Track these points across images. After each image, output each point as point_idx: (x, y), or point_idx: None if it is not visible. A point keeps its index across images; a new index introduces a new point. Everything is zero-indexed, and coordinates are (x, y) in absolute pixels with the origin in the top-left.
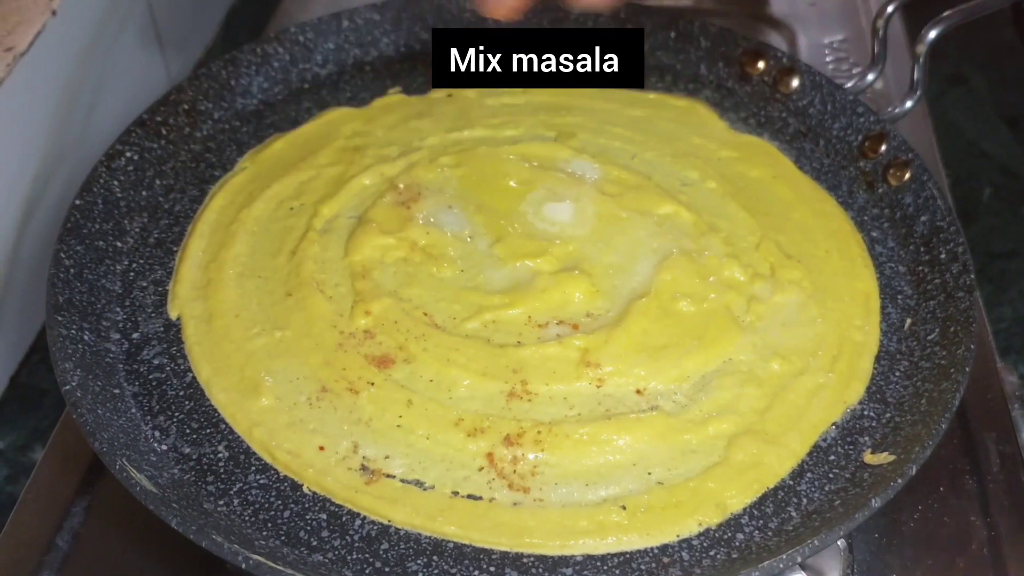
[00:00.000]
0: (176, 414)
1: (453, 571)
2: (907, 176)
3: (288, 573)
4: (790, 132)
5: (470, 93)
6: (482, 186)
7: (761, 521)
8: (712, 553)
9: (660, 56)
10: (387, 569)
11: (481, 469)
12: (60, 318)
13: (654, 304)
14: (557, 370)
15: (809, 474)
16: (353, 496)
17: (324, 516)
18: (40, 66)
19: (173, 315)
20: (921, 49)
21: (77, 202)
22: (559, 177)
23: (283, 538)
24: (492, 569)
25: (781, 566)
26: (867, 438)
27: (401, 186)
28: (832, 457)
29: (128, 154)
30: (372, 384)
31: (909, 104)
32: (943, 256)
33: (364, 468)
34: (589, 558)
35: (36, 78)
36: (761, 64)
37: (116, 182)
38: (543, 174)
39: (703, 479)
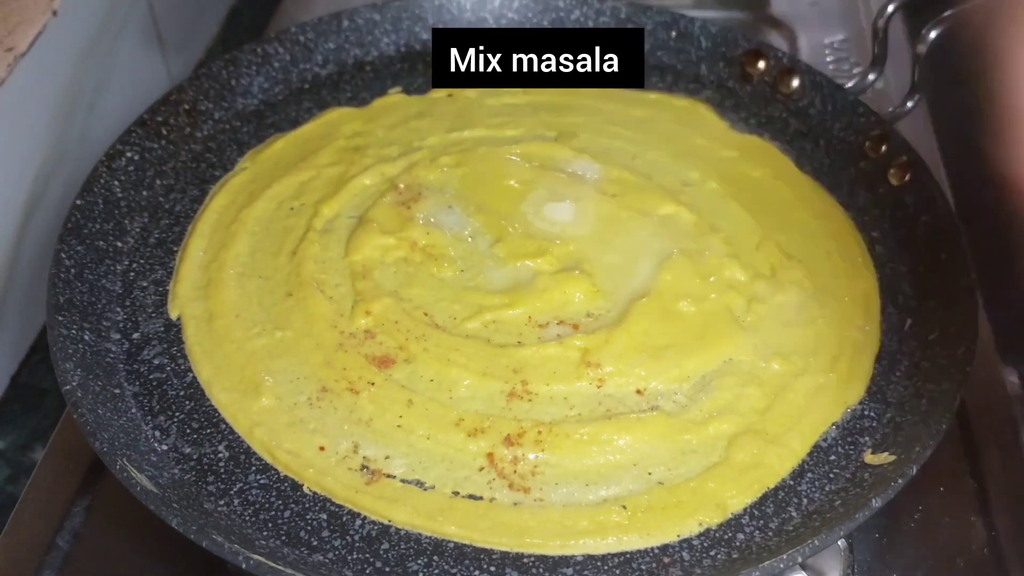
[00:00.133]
0: (177, 414)
1: (453, 571)
2: (908, 176)
3: (288, 573)
4: (791, 132)
5: (470, 93)
6: (483, 186)
7: (762, 521)
8: (713, 553)
9: (661, 56)
10: (387, 569)
11: (481, 469)
12: (61, 318)
13: (655, 304)
14: (557, 370)
15: (810, 474)
16: (353, 496)
17: (324, 516)
18: (41, 66)
19: (173, 315)
20: (922, 49)
21: (78, 202)
22: (560, 177)
23: (283, 538)
24: (492, 569)
25: (782, 566)
26: (868, 438)
27: (401, 186)
28: (832, 457)
29: (129, 154)
30: (372, 384)
31: (910, 104)
32: (943, 256)
33: (364, 468)
34: (589, 558)
35: (37, 78)
36: (762, 64)
37: (117, 182)
38: (544, 174)
39: (703, 479)
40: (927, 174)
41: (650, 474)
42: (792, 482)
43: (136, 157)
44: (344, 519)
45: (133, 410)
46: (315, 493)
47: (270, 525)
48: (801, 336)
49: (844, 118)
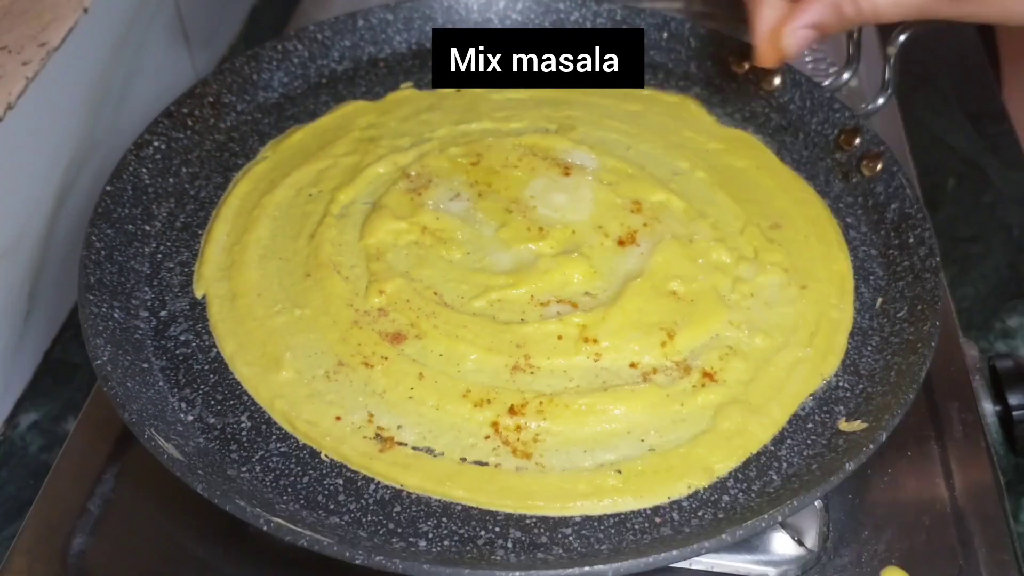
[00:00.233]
0: (201, 387)
1: (461, 531)
2: (879, 167)
3: (307, 535)
4: (772, 126)
5: (477, 88)
6: (488, 175)
7: (745, 484)
8: (700, 513)
9: (654, 55)
10: (399, 530)
11: (487, 437)
12: (92, 297)
13: (647, 284)
14: (558, 345)
15: (789, 440)
16: (368, 463)
17: (340, 481)
18: (73, 61)
19: (199, 294)
20: (892, 51)
21: (108, 188)
22: (560, 166)
23: (302, 502)
24: (497, 529)
25: (763, 525)
26: (842, 407)
27: (413, 174)
28: (810, 425)
29: (156, 143)
30: (386, 358)
31: (881, 101)
32: (911, 240)
33: (378, 436)
34: (587, 519)
35: (69, 72)
36: (746, 64)
37: (145, 170)
38: (545, 163)
39: (692, 446)
40: (896, 165)
41: (643, 441)
42: (773, 448)
43: (163, 146)
44: (359, 484)
45: (160, 383)
46: (332, 460)
47: (289, 490)
48: (782, 314)
49: (821, 113)
